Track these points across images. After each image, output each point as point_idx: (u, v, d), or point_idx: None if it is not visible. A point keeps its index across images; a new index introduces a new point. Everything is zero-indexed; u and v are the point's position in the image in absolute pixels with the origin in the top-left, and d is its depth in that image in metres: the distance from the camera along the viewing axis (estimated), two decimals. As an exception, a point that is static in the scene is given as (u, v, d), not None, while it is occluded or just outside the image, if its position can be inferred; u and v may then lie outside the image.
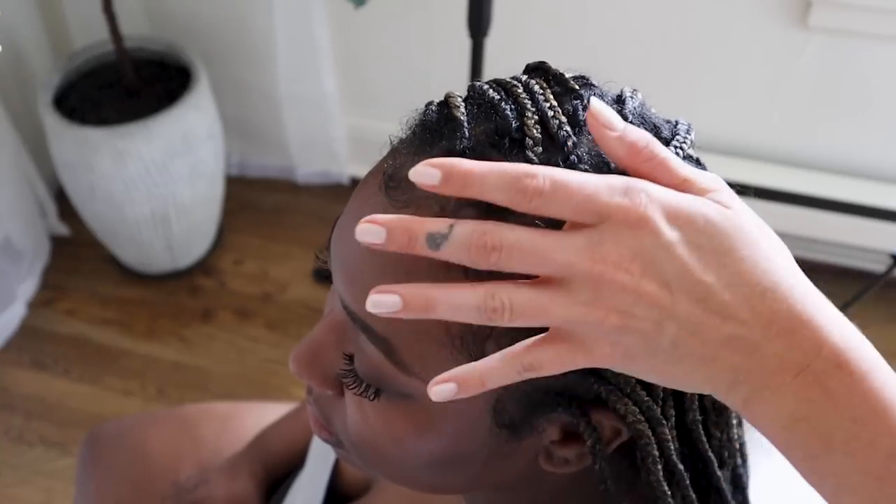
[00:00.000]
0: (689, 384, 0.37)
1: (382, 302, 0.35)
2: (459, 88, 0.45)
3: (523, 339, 0.39)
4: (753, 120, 1.72)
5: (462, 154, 0.40)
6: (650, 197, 0.35)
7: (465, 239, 0.35)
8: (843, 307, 1.30)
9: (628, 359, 0.36)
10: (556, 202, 0.35)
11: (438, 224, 0.35)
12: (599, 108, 0.37)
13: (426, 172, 0.35)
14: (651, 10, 1.60)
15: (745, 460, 0.50)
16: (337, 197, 2.00)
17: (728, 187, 0.38)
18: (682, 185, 0.37)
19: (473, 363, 0.37)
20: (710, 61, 1.65)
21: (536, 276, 0.36)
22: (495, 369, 0.37)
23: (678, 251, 0.35)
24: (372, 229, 0.35)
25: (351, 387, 0.44)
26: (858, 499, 0.35)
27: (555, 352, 0.36)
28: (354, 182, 2.02)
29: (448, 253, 0.35)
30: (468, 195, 0.35)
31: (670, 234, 0.35)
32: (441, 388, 0.37)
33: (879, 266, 1.72)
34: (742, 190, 0.41)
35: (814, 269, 0.46)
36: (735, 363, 0.36)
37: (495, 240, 0.35)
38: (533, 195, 0.35)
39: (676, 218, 0.35)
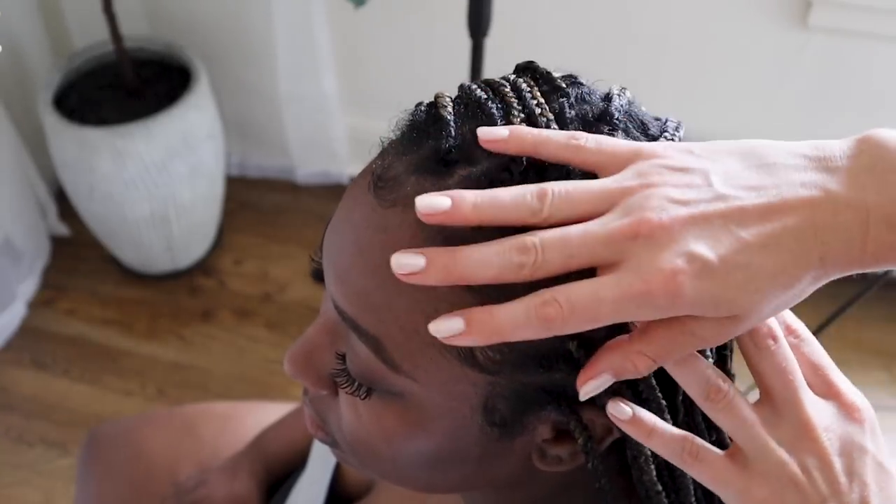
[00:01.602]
0: None
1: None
2: (459, 89, 0.45)
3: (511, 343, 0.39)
4: (753, 120, 1.72)
5: (448, 152, 0.40)
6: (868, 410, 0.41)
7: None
8: (844, 307, 1.30)
9: None
10: None
11: None
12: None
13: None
14: (651, 11, 1.60)
15: None
16: (337, 197, 1.98)
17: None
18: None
19: (650, 413, 0.40)
20: (709, 61, 1.65)
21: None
22: (665, 435, 0.40)
23: (868, 460, 0.40)
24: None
25: (343, 386, 0.44)
26: None
27: (723, 462, 0.40)
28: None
29: None
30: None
31: (871, 444, 0.40)
32: (621, 407, 0.40)
33: (880, 266, 1.71)
34: None
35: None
36: None
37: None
38: None
39: (876, 435, 0.41)
